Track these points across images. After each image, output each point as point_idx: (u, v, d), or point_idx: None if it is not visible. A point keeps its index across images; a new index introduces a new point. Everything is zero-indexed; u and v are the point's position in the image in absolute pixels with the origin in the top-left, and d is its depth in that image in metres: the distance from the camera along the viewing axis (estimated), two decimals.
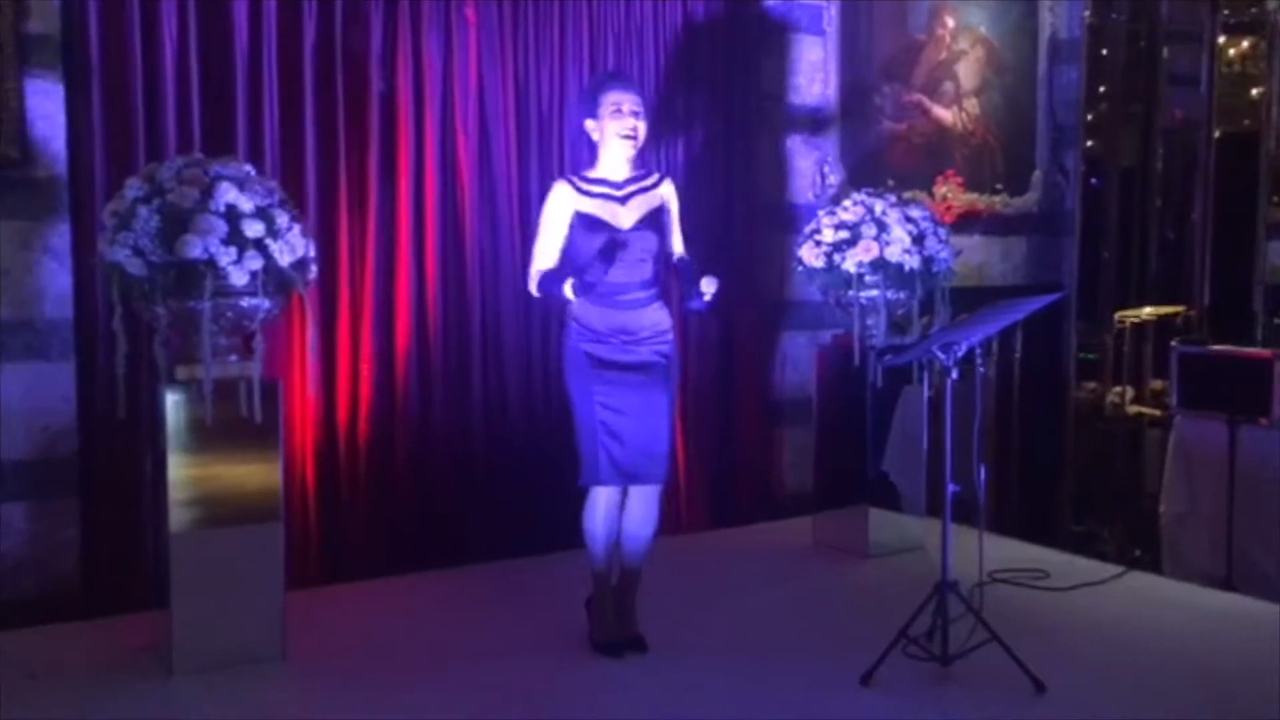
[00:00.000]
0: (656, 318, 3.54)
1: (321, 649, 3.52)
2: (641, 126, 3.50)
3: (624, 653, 3.49)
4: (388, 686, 3.27)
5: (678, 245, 3.67)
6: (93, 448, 3.87)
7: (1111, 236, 6.14)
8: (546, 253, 3.52)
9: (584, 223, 3.47)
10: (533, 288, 3.56)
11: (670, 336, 3.57)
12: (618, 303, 3.47)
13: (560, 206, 3.50)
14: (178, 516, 3.29)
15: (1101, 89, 6.15)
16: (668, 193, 3.63)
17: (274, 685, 3.29)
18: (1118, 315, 5.94)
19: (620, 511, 3.56)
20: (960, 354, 3.31)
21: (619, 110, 3.46)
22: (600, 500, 3.53)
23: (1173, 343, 5.10)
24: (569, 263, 3.50)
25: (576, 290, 3.39)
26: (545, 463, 4.50)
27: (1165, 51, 6.10)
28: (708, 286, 3.41)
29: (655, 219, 3.55)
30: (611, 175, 3.55)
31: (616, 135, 3.48)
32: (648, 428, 3.48)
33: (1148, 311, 5.89)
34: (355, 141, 4.26)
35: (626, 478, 3.49)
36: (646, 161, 4.83)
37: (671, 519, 4.99)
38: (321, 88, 4.18)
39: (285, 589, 3.49)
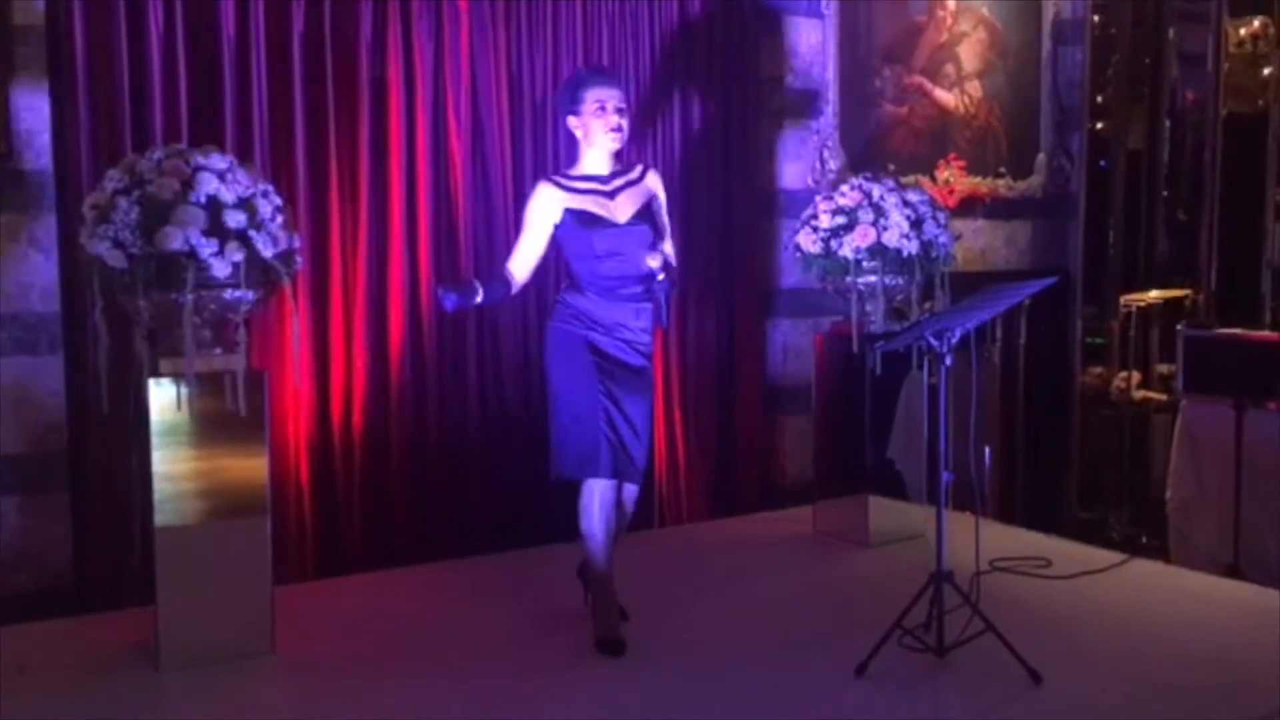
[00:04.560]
0: (645, 321, 3.50)
1: (312, 644, 3.49)
2: (625, 124, 3.46)
3: (626, 650, 3.38)
4: (376, 681, 3.24)
5: (667, 243, 3.60)
6: (83, 442, 3.85)
7: (1118, 219, 6.06)
8: (524, 252, 3.49)
9: (578, 219, 3.42)
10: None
11: (651, 341, 3.55)
12: (619, 295, 3.45)
13: (545, 207, 3.46)
14: (163, 511, 3.27)
15: (1109, 71, 6.06)
16: (655, 184, 3.59)
17: (261, 681, 3.26)
18: (1124, 299, 5.86)
19: (616, 509, 3.48)
20: (954, 340, 3.26)
21: (603, 108, 3.41)
22: (597, 497, 3.42)
23: (1179, 326, 5.03)
24: (568, 260, 3.49)
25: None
26: (541, 455, 4.44)
27: (1172, 31, 6.01)
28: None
29: (648, 212, 3.51)
30: (596, 171, 3.50)
31: (601, 133, 3.43)
32: (641, 428, 3.45)
33: (1154, 295, 5.82)
34: (346, 131, 4.21)
35: (619, 474, 3.41)
36: (644, 150, 4.79)
37: (672, 509, 4.97)
38: (311, 78, 4.14)
39: (277, 583, 3.46)
